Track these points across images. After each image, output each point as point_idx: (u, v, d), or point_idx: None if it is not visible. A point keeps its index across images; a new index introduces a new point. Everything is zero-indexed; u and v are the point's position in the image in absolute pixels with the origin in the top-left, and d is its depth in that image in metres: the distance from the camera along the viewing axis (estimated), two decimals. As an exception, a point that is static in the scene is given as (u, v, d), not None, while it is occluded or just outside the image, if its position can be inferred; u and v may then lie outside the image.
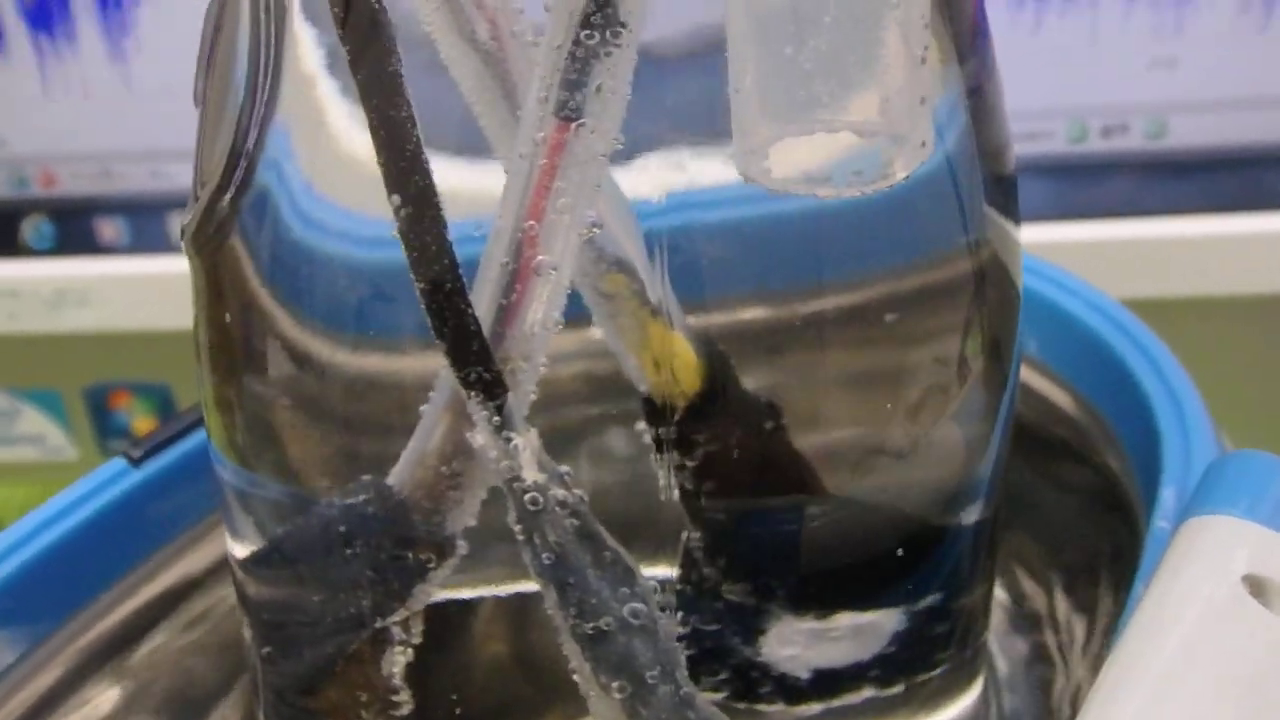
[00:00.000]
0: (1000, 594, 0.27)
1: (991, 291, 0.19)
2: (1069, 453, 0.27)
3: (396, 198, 0.16)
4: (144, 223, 0.48)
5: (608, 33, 0.15)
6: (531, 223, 0.16)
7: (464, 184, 0.17)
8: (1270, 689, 0.16)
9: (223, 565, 0.26)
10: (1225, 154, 0.42)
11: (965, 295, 0.19)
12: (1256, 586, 0.17)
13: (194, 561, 0.26)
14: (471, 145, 0.17)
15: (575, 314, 0.17)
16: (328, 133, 0.17)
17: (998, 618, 0.27)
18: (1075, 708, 0.17)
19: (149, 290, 0.47)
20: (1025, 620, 0.27)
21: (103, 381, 0.51)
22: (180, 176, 0.47)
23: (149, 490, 0.25)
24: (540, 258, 0.16)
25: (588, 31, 0.15)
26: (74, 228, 0.49)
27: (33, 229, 0.49)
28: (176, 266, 0.48)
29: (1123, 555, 0.24)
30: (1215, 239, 0.42)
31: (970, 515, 0.20)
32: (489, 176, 0.17)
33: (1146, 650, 0.16)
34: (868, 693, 0.20)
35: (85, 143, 0.48)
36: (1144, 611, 0.17)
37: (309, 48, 0.17)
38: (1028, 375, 0.27)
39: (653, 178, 0.17)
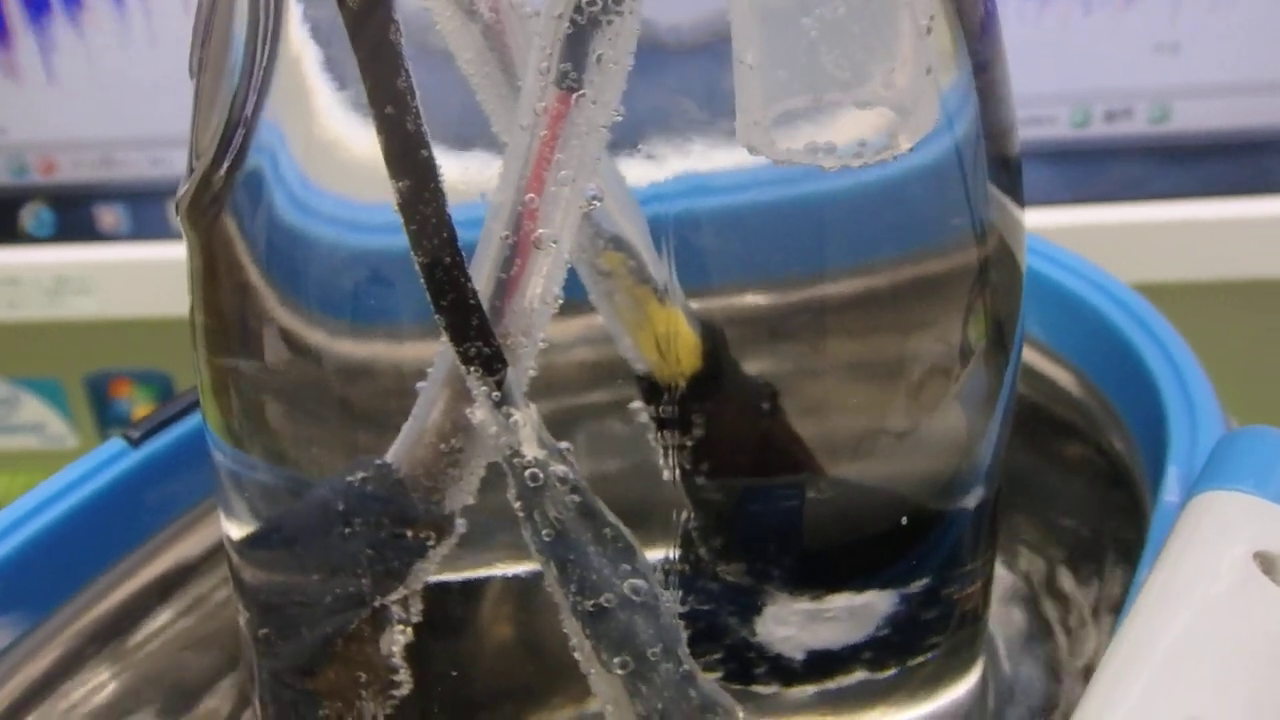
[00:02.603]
0: (1005, 574, 0.27)
1: (996, 273, 0.19)
2: (1074, 433, 0.27)
3: (396, 171, 0.16)
4: (144, 210, 0.48)
5: (609, 1, 0.15)
6: (531, 195, 0.16)
7: (456, 175, 0.17)
8: (1278, 666, 0.16)
9: (221, 548, 0.26)
10: (1229, 138, 0.42)
11: (970, 277, 0.19)
12: (1265, 562, 0.17)
13: (192, 544, 0.26)
14: (463, 137, 0.17)
15: (574, 297, 0.17)
16: (322, 107, 0.17)
17: (1002, 598, 0.27)
18: (1084, 685, 0.17)
19: (149, 277, 0.47)
20: (1030, 600, 0.27)
21: (103, 369, 0.51)
22: (181, 163, 0.47)
23: (148, 471, 0.25)
24: (540, 231, 0.16)
25: (589, -1, 0.15)
26: (74, 215, 0.49)
27: (33, 216, 0.49)
28: (177, 253, 0.48)
29: (1127, 535, 0.24)
30: (1218, 223, 0.42)
31: (969, 499, 0.20)
32: (481, 166, 0.17)
33: (1156, 625, 0.16)
34: (860, 675, 0.20)
35: (85, 130, 0.47)
36: (1153, 586, 0.17)
37: (305, 21, 0.17)
38: (1033, 356, 0.27)
39: (659, 159, 0.17)
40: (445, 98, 0.17)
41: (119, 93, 0.47)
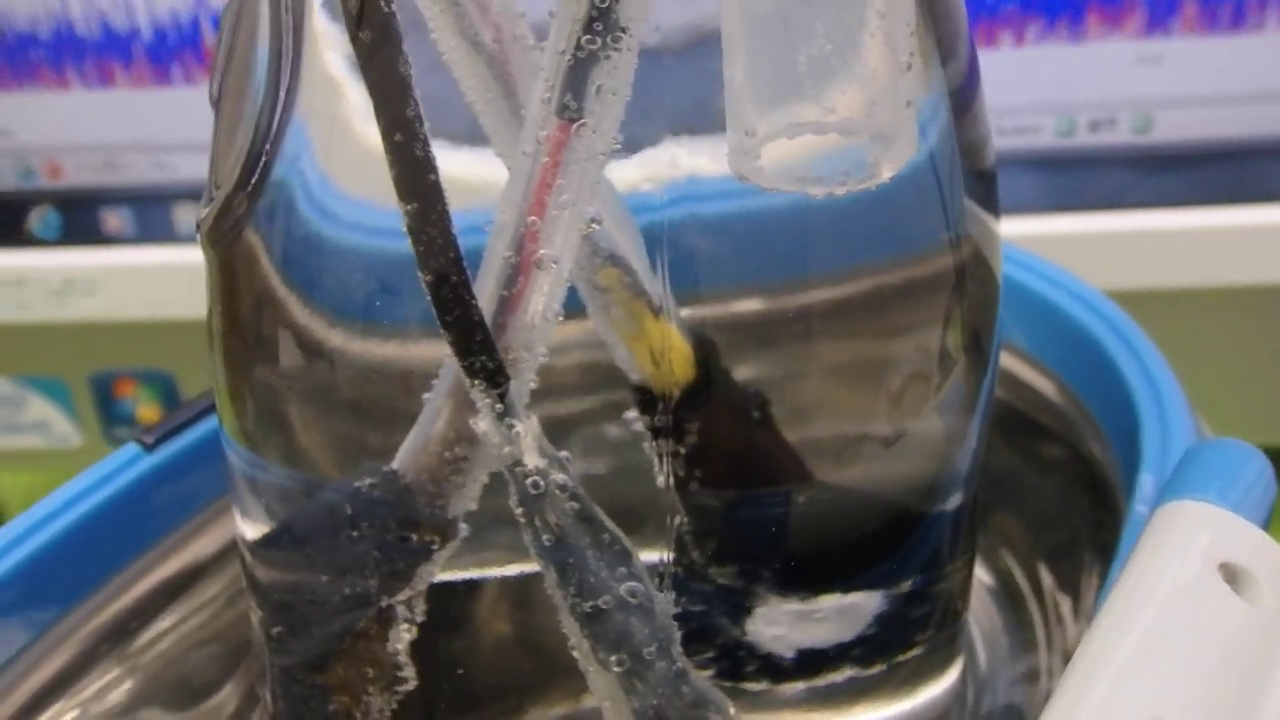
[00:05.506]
0: (986, 576, 0.28)
1: (972, 284, 0.20)
2: (1054, 439, 0.28)
3: (405, 195, 0.17)
4: (149, 213, 0.49)
5: (608, 37, 0.16)
6: (533, 218, 0.17)
7: (470, 173, 0.17)
8: (1235, 670, 0.17)
9: (231, 549, 0.26)
10: (1210, 148, 0.42)
11: (947, 288, 0.19)
12: (1225, 571, 0.17)
13: (202, 546, 0.26)
14: (478, 135, 0.17)
15: (572, 307, 0.18)
16: (344, 127, 0.18)
17: (984, 598, 0.28)
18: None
19: (154, 280, 0.48)
20: (1009, 598, 0.28)
21: (108, 370, 0.51)
22: (184, 168, 0.48)
23: (161, 475, 0.25)
24: (541, 252, 0.17)
25: (589, 36, 0.16)
26: (80, 218, 0.49)
27: (39, 219, 0.49)
28: (181, 256, 0.49)
29: (1104, 538, 0.25)
30: (1201, 231, 0.42)
31: (950, 501, 0.21)
32: (494, 167, 0.17)
33: (1118, 632, 0.17)
34: (849, 672, 0.20)
35: (91, 134, 0.48)
36: (1118, 594, 0.17)
37: (329, 45, 0.18)
38: (1015, 364, 0.28)
39: (651, 173, 0.17)
40: (459, 98, 0.17)
41: (124, 97, 0.47)
